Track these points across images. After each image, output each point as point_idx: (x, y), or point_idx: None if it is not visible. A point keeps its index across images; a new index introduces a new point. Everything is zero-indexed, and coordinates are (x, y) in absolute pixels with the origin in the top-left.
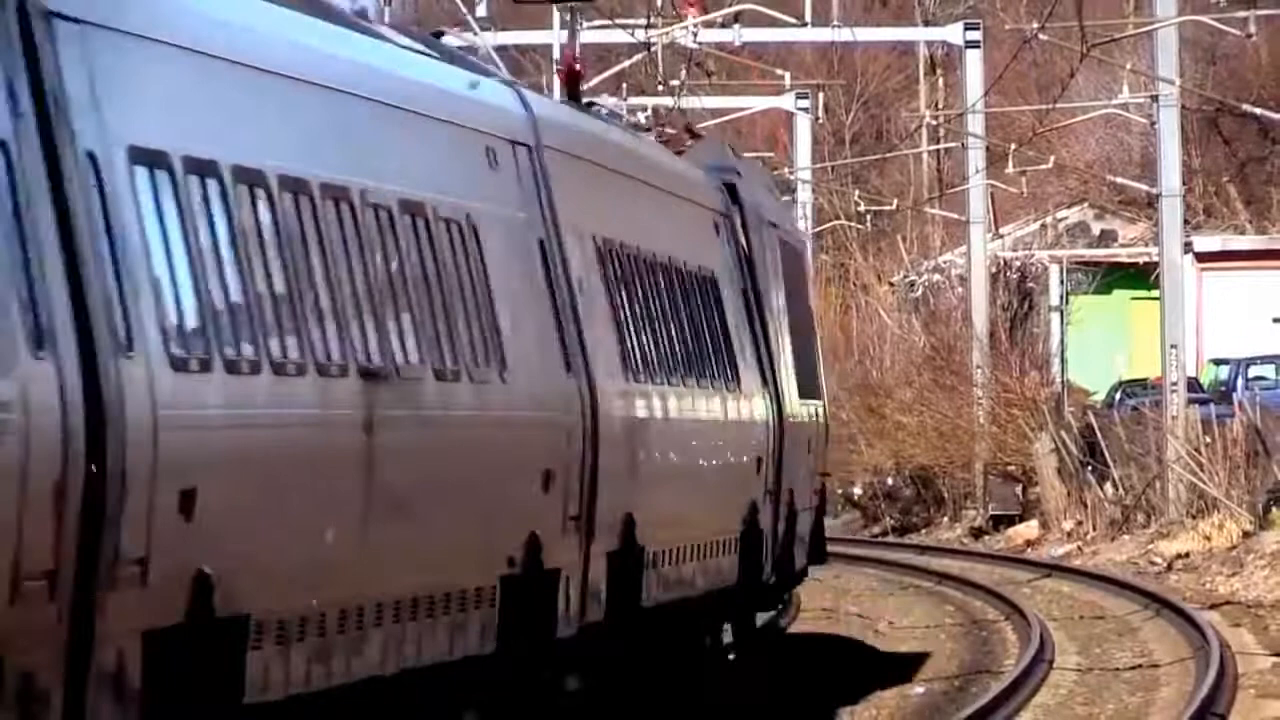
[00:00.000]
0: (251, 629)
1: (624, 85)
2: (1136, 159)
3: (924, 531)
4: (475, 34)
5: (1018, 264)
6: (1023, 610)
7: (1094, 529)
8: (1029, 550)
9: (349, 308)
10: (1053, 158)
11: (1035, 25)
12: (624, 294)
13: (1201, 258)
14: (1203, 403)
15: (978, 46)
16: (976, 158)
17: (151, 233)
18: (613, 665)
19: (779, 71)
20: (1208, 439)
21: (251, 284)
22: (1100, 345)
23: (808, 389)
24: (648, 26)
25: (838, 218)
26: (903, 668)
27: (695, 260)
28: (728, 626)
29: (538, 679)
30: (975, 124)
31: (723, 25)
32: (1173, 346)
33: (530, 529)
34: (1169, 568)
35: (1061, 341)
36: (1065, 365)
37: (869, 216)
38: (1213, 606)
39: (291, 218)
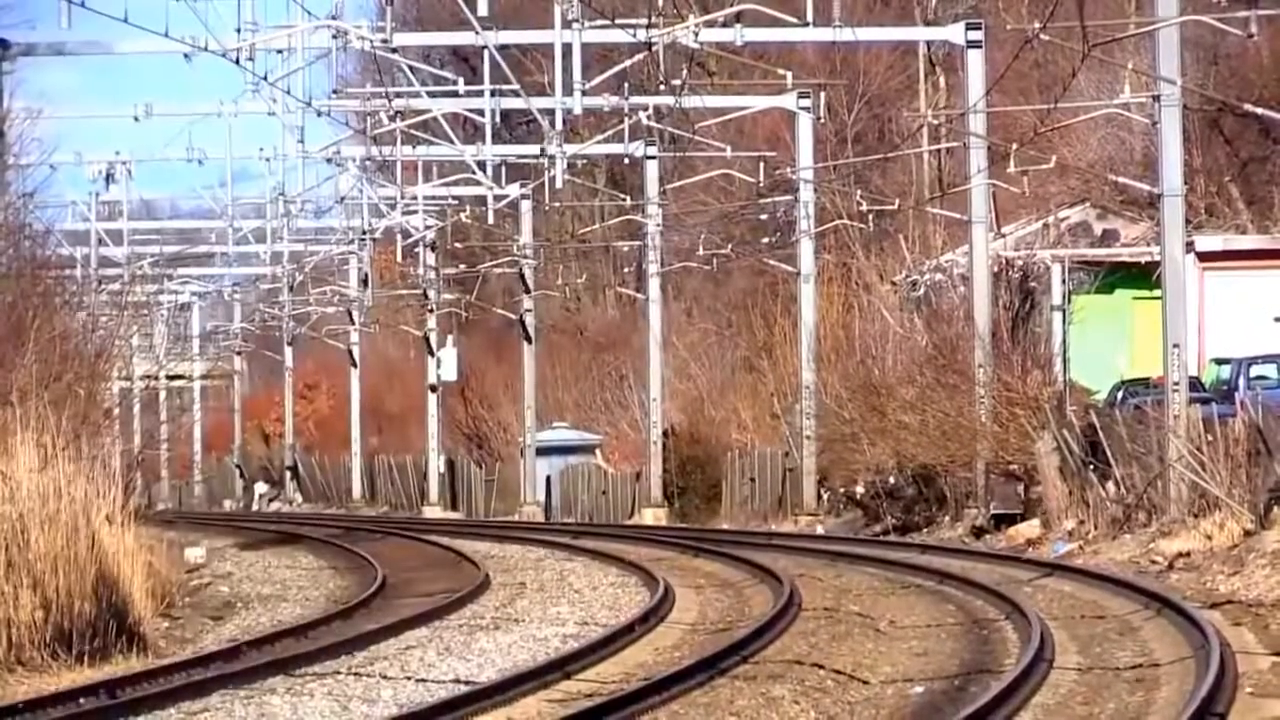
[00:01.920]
0: None
1: (625, 85)
2: (1138, 158)
3: (925, 530)
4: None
5: (1020, 263)
6: (1023, 609)
7: (1095, 528)
8: (1030, 549)
9: None
10: (1054, 157)
11: (1037, 25)
12: None
13: (1203, 257)
14: (1204, 402)
15: (979, 46)
16: (978, 157)
17: None
18: None
19: (781, 71)
20: (1209, 438)
21: None
22: (1102, 344)
23: None
24: (649, 26)
25: (840, 217)
26: (903, 667)
27: None
28: None
29: None
30: (977, 124)
31: (724, 25)
32: (1174, 346)
33: None
34: (1170, 567)
35: (1063, 341)
36: (1067, 364)
37: (871, 216)
38: (1213, 606)
39: None
